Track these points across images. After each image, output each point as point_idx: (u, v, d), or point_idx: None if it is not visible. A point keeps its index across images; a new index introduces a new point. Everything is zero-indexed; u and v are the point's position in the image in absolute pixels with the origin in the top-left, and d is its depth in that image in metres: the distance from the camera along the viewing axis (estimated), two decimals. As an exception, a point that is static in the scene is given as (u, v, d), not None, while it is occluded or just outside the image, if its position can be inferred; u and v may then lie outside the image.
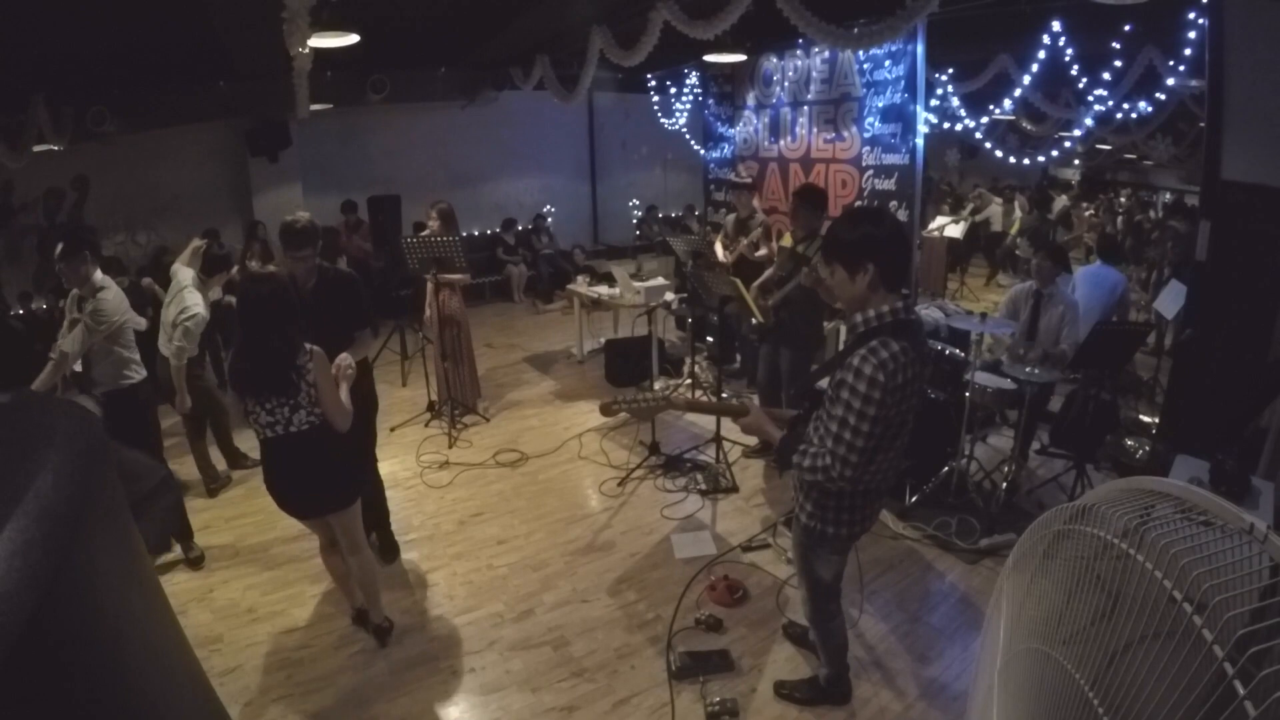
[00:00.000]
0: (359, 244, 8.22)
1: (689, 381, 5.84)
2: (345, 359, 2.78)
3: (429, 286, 5.11)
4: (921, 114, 5.26)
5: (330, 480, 2.69)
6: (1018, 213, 10.49)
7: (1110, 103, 6.54)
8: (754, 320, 4.30)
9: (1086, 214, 10.66)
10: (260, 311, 2.47)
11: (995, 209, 10.64)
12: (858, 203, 5.86)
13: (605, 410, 2.35)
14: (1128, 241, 9.34)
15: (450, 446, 5.01)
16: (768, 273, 4.59)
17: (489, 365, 6.82)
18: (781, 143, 6.84)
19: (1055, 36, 5.38)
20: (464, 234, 5.67)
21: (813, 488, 2.18)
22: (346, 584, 3.05)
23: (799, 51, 6.41)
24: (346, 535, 2.82)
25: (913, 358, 1.95)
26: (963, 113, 7.03)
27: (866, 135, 5.73)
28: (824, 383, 2.15)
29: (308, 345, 2.53)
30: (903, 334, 1.96)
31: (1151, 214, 10.89)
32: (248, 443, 4.50)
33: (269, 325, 2.47)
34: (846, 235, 2.04)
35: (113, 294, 3.54)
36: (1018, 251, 9.99)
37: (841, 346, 2.41)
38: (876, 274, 1.99)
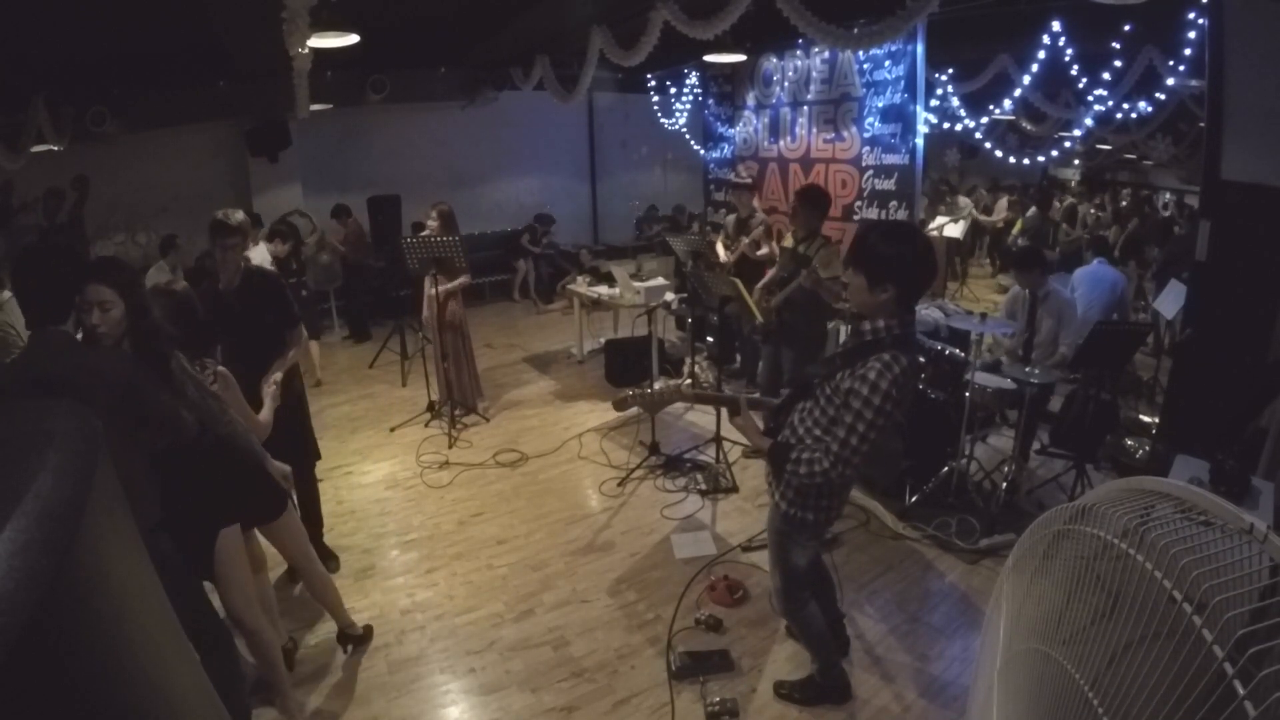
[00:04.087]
0: (334, 245, 8.09)
1: (688, 381, 5.84)
2: (271, 380, 2.88)
3: (425, 284, 5.14)
4: (921, 114, 5.26)
5: (258, 494, 2.60)
6: (972, 213, 10.47)
7: (1110, 103, 6.53)
8: (755, 320, 4.31)
9: (1094, 204, 10.61)
10: (182, 320, 2.38)
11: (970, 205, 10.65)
12: (857, 203, 5.86)
13: (618, 405, 2.48)
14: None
15: (450, 446, 5.01)
16: (772, 273, 4.60)
17: (489, 365, 6.82)
18: (781, 143, 6.84)
19: (1055, 36, 5.38)
20: (467, 233, 5.67)
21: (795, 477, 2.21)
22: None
23: (799, 51, 6.40)
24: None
25: (915, 370, 2.08)
26: (963, 113, 7.03)
27: (866, 135, 5.73)
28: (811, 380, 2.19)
29: (215, 367, 2.45)
30: (908, 346, 2.06)
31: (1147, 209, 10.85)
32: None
33: (190, 331, 2.39)
34: (881, 250, 2.02)
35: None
36: (1018, 252, 9.96)
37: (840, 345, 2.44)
38: (895, 295, 2.01)
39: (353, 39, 4.41)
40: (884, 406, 1.98)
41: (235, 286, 3.14)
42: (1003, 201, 10.83)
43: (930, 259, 2.05)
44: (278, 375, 3.00)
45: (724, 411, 4.76)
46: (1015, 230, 10.12)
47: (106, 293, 1.98)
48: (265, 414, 2.69)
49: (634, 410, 2.54)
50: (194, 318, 2.45)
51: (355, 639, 3.01)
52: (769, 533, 2.49)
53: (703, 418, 5.17)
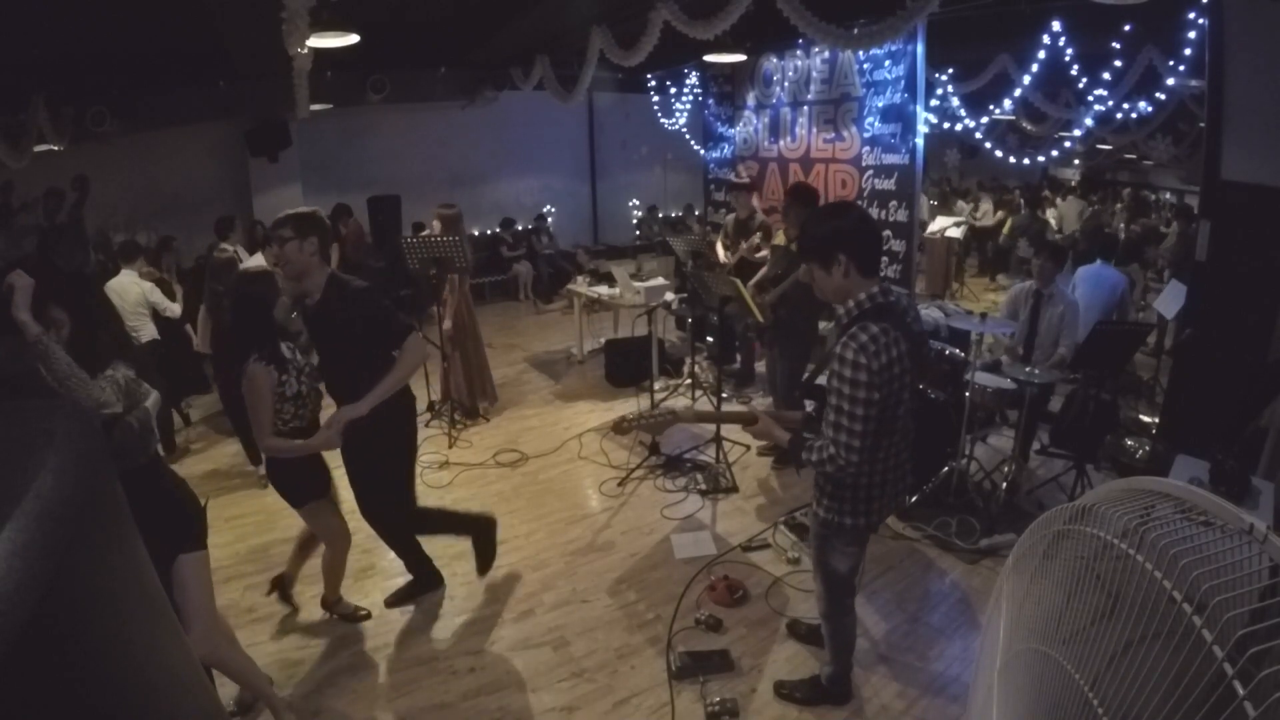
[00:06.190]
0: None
1: (689, 381, 5.83)
2: (345, 415, 2.60)
3: (445, 289, 5.13)
4: (921, 114, 5.26)
5: (276, 477, 2.84)
6: (972, 216, 10.48)
7: (1110, 103, 6.54)
8: (754, 319, 4.31)
9: (1093, 207, 10.63)
10: (243, 310, 2.64)
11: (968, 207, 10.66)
12: (857, 203, 5.86)
13: (618, 429, 2.40)
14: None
15: (450, 446, 5.00)
16: (763, 271, 4.61)
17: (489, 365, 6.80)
18: (781, 143, 6.84)
19: (1055, 36, 5.38)
20: (467, 233, 5.66)
21: (828, 481, 2.23)
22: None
23: (799, 51, 6.41)
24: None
25: (894, 337, 2.02)
26: (963, 113, 7.03)
27: (866, 135, 5.73)
28: (823, 379, 2.18)
29: (254, 361, 2.54)
30: (882, 316, 2.04)
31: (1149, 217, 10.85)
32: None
33: (250, 326, 2.60)
34: (815, 232, 2.14)
35: None
36: (1018, 252, 9.98)
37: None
38: (850, 263, 2.07)
39: (353, 39, 4.42)
40: (857, 378, 1.95)
41: (317, 300, 2.69)
42: (987, 204, 10.82)
43: (869, 223, 2.15)
44: (360, 409, 2.58)
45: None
46: (1005, 230, 10.12)
47: (57, 312, 2.18)
48: (300, 443, 2.63)
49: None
50: (261, 309, 2.63)
51: (334, 609, 3.18)
52: (810, 538, 2.50)
53: (703, 418, 5.17)
